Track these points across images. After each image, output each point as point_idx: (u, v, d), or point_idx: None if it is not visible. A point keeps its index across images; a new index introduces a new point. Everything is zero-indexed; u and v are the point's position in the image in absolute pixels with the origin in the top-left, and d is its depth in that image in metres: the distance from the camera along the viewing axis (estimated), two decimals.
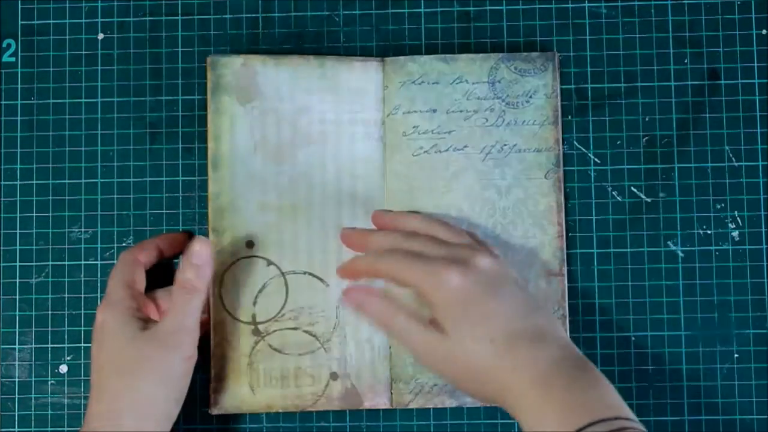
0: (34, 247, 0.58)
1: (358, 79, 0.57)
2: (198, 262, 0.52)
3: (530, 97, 0.57)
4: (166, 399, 0.51)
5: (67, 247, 0.58)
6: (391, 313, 0.49)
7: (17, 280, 0.58)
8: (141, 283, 0.54)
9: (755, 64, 0.58)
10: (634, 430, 0.44)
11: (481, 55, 0.57)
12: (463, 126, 0.57)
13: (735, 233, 0.57)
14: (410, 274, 0.49)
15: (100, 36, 0.59)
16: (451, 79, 0.57)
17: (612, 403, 0.46)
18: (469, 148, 0.57)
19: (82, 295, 0.57)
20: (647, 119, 0.58)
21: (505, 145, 0.57)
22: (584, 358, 0.48)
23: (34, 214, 0.58)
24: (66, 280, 0.58)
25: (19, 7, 0.59)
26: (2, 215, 0.58)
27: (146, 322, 0.52)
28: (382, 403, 0.56)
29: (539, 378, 0.46)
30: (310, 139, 0.56)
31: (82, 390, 0.57)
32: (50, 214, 0.58)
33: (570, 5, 0.59)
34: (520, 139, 0.57)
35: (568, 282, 0.56)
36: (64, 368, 0.57)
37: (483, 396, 0.49)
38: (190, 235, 0.57)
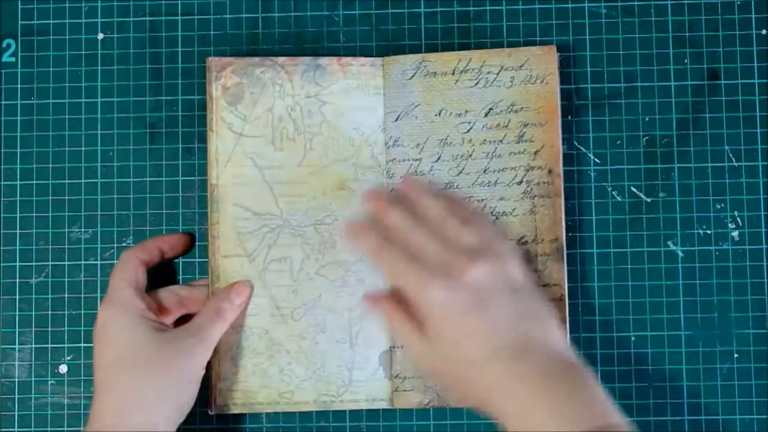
0: (34, 247, 0.58)
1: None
2: (236, 301, 0.54)
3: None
4: (175, 402, 0.51)
5: (67, 247, 0.58)
6: (390, 312, 0.49)
7: (17, 280, 0.58)
8: (143, 282, 0.54)
9: (755, 64, 0.58)
10: None
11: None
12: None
13: (735, 233, 0.57)
14: (401, 277, 0.48)
15: (100, 36, 0.59)
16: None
17: (599, 411, 0.44)
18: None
19: (82, 295, 0.57)
20: (647, 119, 0.58)
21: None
22: (572, 362, 0.46)
23: (34, 214, 0.58)
24: (66, 280, 0.58)
25: (19, 7, 0.59)
26: (2, 215, 0.58)
27: (156, 323, 0.52)
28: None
29: (520, 394, 0.45)
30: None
31: (82, 390, 0.57)
32: (50, 214, 0.58)
33: (570, 5, 0.59)
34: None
35: (569, 282, 0.56)
36: (63, 368, 0.57)
37: (469, 405, 0.48)
38: (191, 237, 0.57)
